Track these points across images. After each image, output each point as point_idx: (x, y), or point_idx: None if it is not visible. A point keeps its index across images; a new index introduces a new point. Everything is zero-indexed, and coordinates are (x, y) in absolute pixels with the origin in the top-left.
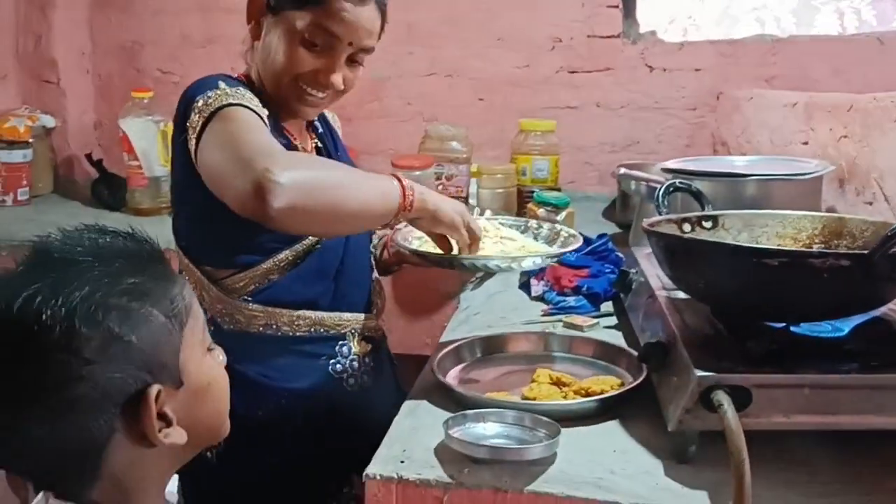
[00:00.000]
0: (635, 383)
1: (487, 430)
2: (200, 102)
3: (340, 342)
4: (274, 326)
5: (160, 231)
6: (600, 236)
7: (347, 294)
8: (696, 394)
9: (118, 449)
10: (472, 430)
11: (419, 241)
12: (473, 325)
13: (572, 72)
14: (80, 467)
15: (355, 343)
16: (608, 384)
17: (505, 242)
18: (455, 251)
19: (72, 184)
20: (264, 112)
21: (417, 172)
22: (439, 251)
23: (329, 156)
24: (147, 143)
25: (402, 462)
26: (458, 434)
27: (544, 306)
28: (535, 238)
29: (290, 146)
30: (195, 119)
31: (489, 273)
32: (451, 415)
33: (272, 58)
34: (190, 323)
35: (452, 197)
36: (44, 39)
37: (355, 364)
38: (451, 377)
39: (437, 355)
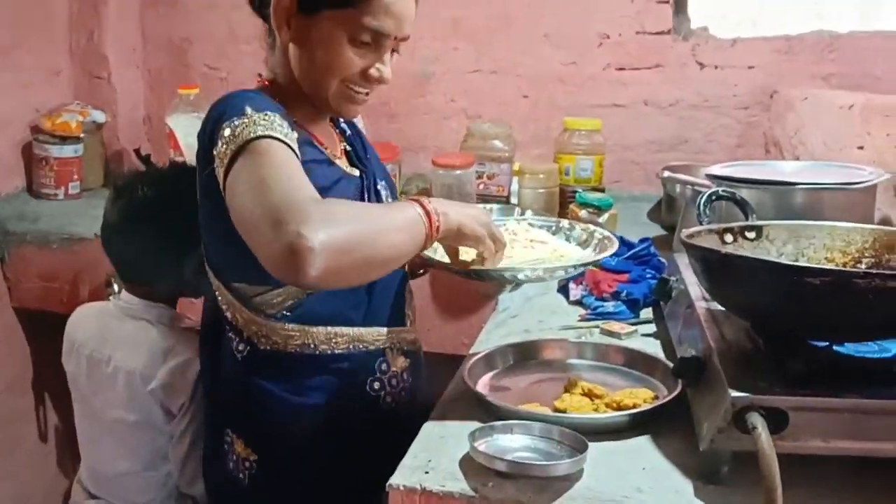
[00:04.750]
0: (668, 398)
1: (514, 443)
2: (227, 132)
3: (379, 359)
4: (311, 346)
5: None
6: (642, 240)
7: (381, 305)
8: (729, 414)
9: None
10: (498, 442)
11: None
12: (510, 328)
13: (620, 69)
14: None
15: (393, 359)
16: (641, 397)
17: (535, 246)
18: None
19: (118, 178)
20: (294, 137)
21: (458, 171)
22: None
23: (358, 158)
24: (192, 138)
25: (426, 472)
26: (484, 446)
27: (582, 311)
28: (567, 239)
29: (322, 158)
30: (222, 150)
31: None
32: (479, 425)
33: (317, 63)
34: None
35: (494, 197)
36: (96, 35)
37: (393, 381)
38: (482, 384)
39: (468, 362)
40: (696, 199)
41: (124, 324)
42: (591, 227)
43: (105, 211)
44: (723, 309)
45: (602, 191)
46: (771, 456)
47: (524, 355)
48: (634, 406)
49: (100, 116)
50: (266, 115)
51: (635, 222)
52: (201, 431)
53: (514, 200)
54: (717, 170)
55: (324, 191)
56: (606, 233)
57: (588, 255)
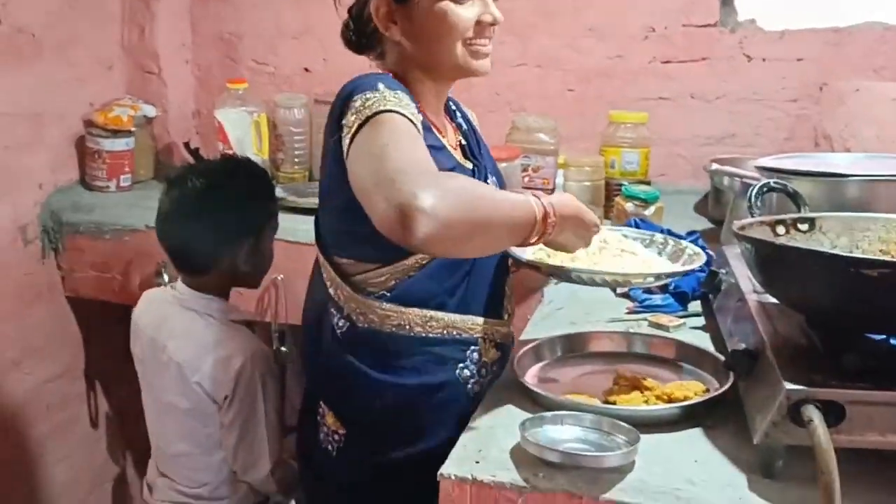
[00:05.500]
0: (721, 391)
1: (564, 434)
2: (358, 103)
3: (472, 347)
4: (407, 327)
5: None
6: (690, 233)
7: (477, 295)
8: (784, 407)
9: None
10: (548, 432)
11: (533, 249)
12: (557, 320)
13: (666, 62)
14: None
15: (486, 349)
16: (692, 390)
17: (624, 256)
18: (559, 263)
19: (171, 170)
20: (419, 118)
21: (504, 164)
22: (554, 261)
23: (472, 153)
24: (241, 132)
25: (476, 462)
26: (535, 437)
27: (629, 304)
28: (660, 254)
29: (440, 145)
30: (351, 119)
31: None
32: (529, 416)
33: (434, 36)
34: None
35: (539, 189)
36: (147, 31)
37: (483, 371)
38: (531, 376)
39: (516, 353)
40: (745, 191)
41: (178, 313)
42: (683, 242)
43: (159, 201)
44: (775, 302)
45: (648, 184)
46: (829, 450)
47: (572, 347)
48: (685, 398)
49: (150, 111)
50: (396, 93)
51: (682, 215)
52: (252, 422)
53: (558, 192)
54: (768, 161)
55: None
56: (696, 249)
57: (673, 268)
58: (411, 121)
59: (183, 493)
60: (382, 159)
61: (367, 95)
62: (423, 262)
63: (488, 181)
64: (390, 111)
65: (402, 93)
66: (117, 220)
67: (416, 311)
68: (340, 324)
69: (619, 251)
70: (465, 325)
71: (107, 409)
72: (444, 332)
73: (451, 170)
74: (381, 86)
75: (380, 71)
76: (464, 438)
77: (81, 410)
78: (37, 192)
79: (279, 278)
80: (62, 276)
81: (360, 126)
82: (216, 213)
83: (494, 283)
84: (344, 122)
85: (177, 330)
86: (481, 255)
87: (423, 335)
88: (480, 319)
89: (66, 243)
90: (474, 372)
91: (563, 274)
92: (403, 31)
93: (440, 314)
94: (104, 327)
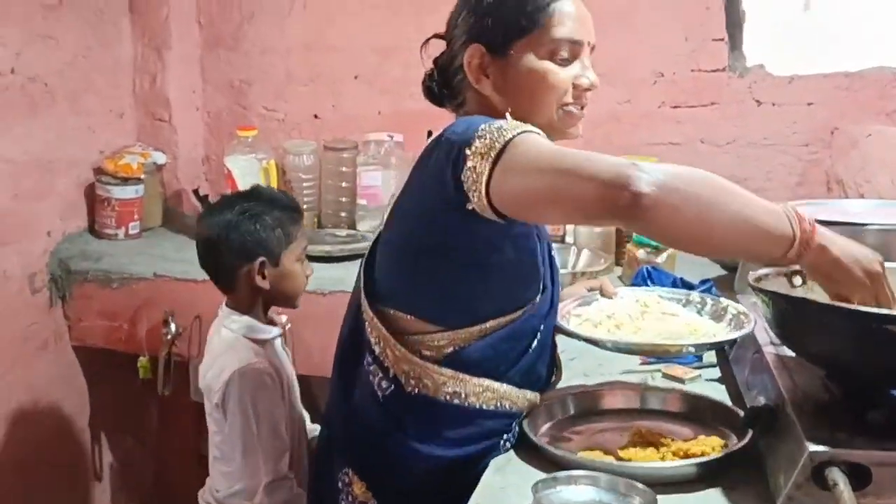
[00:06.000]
0: (739, 445)
1: (579, 495)
2: (489, 129)
3: (516, 419)
4: (462, 395)
5: None
6: (703, 281)
7: (534, 367)
8: (808, 468)
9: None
10: (562, 494)
11: (578, 320)
12: (569, 370)
13: (675, 107)
14: None
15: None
16: (709, 445)
17: (667, 319)
18: (608, 332)
19: (180, 217)
20: None
21: None
22: (595, 332)
23: (535, 225)
24: (250, 179)
25: None
26: (548, 499)
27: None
28: (699, 313)
29: None
30: (484, 144)
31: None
32: (542, 476)
33: (529, 95)
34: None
35: (549, 236)
36: (159, 78)
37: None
38: (543, 434)
39: (528, 411)
40: None
41: (213, 327)
42: (723, 300)
43: (196, 228)
44: (793, 354)
45: None
46: None
47: (586, 404)
48: (703, 454)
49: (160, 157)
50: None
51: (694, 262)
52: (244, 437)
53: (569, 240)
54: None
55: (521, 238)
56: (741, 308)
57: (726, 329)
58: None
59: (214, 497)
60: (559, 159)
61: (496, 123)
62: (486, 332)
63: (552, 254)
64: (531, 132)
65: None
66: (125, 269)
67: (475, 380)
68: (384, 385)
69: (660, 314)
70: (517, 398)
71: (111, 460)
72: (498, 404)
73: (528, 237)
74: (500, 121)
75: (436, 118)
76: (475, 498)
77: (85, 463)
78: (45, 240)
79: (287, 326)
80: (69, 324)
81: (503, 147)
82: (226, 231)
83: (547, 356)
84: (470, 151)
85: (210, 341)
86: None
87: (477, 406)
88: (529, 394)
89: (73, 292)
90: (513, 445)
91: (609, 348)
92: (495, 86)
93: (496, 385)
94: (109, 378)
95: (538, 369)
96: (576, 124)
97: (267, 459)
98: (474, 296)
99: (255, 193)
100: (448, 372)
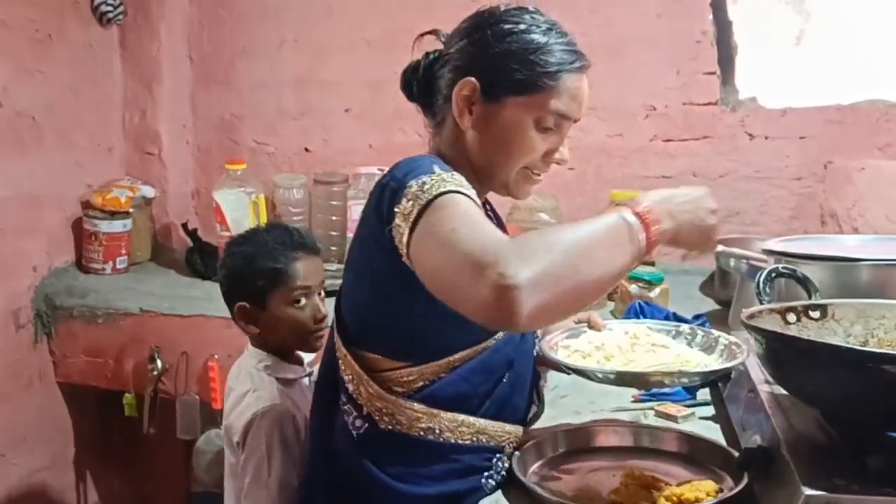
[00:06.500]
0: (733, 492)
1: None
2: (414, 188)
3: (498, 455)
4: (436, 431)
5: None
6: (696, 316)
7: (509, 399)
8: None
9: None
10: None
11: (566, 351)
12: (560, 408)
13: (667, 140)
14: None
15: (510, 457)
16: (704, 490)
17: (657, 350)
18: (597, 363)
19: (169, 251)
20: (476, 196)
21: None
22: (584, 363)
23: None
24: (239, 213)
25: None
26: None
27: (636, 392)
28: (689, 345)
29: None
30: (407, 206)
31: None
32: None
33: (501, 147)
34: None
35: None
36: (148, 113)
37: (502, 478)
38: (532, 474)
39: (517, 450)
40: (751, 273)
41: (236, 366)
42: (714, 332)
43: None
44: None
45: (652, 264)
46: None
47: (577, 442)
48: (697, 500)
49: (149, 192)
50: (453, 175)
51: (688, 297)
52: (257, 485)
53: None
54: (775, 244)
55: None
56: (732, 338)
57: (718, 360)
58: (472, 199)
59: None
60: (454, 245)
61: (423, 179)
62: (456, 365)
63: None
64: (451, 192)
65: (457, 174)
66: (111, 304)
67: (449, 415)
68: (357, 424)
69: (651, 346)
70: (495, 431)
71: (96, 499)
72: (474, 438)
73: None
74: (436, 168)
75: (425, 151)
76: None
77: (70, 502)
78: (31, 276)
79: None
80: (54, 361)
81: (420, 213)
82: (220, 271)
83: (526, 387)
84: (398, 209)
85: (230, 377)
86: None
87: (453, 441)
88: (508, 427)
89: (58, 328)
90: (499, 482)
91: (600, 378)
92: (475, 125)
93: (471, 419)
94: (95, 415)
95: (515, 402)
96: (530, 188)
97: None
98: (437, 329)
99: (258, 230)
100: (421, 408)
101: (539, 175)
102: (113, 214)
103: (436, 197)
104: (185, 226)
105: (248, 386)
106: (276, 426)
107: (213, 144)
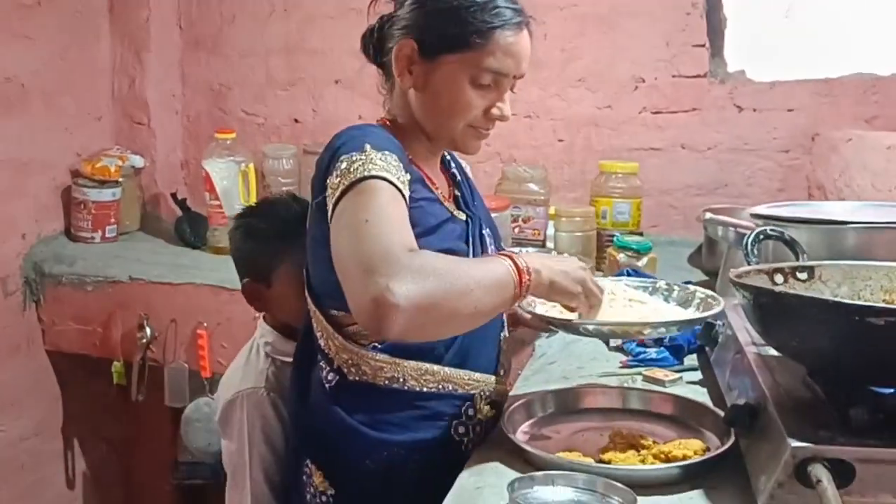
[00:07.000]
0: (722, 449)
1: (556, 495)
2: (343, 164)
3: (467, 402)
4: (401, 380)
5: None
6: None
7: (472, 349)
8: (790, 466)
9: None
10: (539, 494)
11: (544, 307)
12: (548, 375)
13: (656, 112)
14: None
15: (480, 406)
16: (691, 448)
17: (634, 306)
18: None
19: (157, 221)
20: (406, 179)
21: (494, 215)
22: (565, 316)
23: (465, 204)
24: (228, 183)
25: None
26: (524, 499)
27: (623, 357)
28: (666, 300)
29: (433, 198)
30: (335, 182)
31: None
32: (519, 475)
33: (440, 106)
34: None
35: (529, 241)
36: (137, 82)
37: (478, 428)
38: (521, 433)
39: (507, 408)
40: (739, 241)
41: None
42: (691, 287)
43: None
44: (775, 354)
45: (640, 234)
46: None
47: (565, 403)
48: (684, 457)
49: (138, 161)
50: (384, 155)
51: (675, 267)
52: (239, 474)
53: (549, 244)
54: (763, 209)
55: (430, 230)
56: (709, 292)
57: (694, 313)
58: (396, 186)
59: None
60: (361, 239)
61: (354, 157)
62: None
63: (483, 232)
64: (374, 177)
65: (389, 154)
66: (100, 271)
67: (412, 363)
68: (329, 377)
69: (627, 301)
70: (460, 379)
71: (84, 468)
72: (440, 386)
73: (444, 222)
74: (367, 146)
75: (376, 119)
76: (450, 499)
77: (57, 470)
78: (20, 243)
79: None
80: (43, 328)
81: (344, 192)
82: (230, 245)
83: (491, 339)
84: (329, 181)
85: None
86: (463, 332)
87: (418, 389)
88: (476, 374)
89: (47, 295)
90: (468, 429)
91: (575, 329)
92: (415, 85)
93: (435, 367)
94: (83, 383)
95: (480, 350)
96: (477, 143)
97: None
98: None
99: (265, 203)
100: (384, 357)
101: (487, 131)
102: (102, 183)
103: (360, 180)
104: (174, 195)
105: (242, 360)
106: (253, 410)
107: (203, 113)
